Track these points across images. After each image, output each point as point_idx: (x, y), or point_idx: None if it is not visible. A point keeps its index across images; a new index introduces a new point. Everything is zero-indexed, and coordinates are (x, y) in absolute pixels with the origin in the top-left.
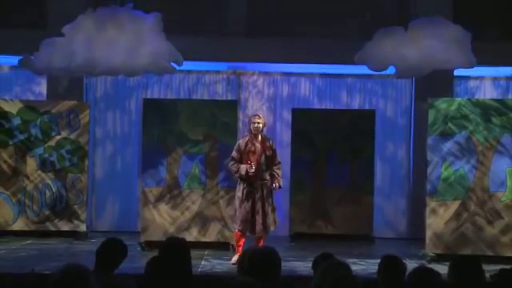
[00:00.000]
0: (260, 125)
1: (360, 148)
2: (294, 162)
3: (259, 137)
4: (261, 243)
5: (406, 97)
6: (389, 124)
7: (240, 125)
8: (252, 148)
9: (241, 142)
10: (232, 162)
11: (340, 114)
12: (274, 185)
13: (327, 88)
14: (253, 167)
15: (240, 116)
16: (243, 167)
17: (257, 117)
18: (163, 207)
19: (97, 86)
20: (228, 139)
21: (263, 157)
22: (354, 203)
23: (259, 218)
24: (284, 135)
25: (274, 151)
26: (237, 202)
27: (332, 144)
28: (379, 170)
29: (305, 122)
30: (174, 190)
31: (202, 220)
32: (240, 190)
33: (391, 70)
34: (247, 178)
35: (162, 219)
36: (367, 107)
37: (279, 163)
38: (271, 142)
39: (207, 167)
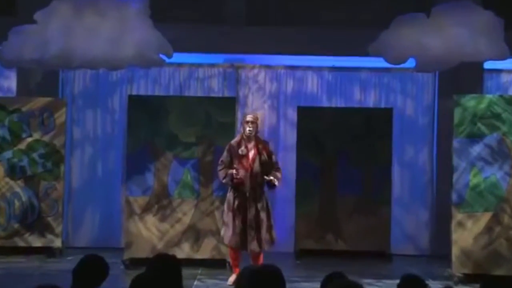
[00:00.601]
0: (253, 129)
1: (375, 152)
2: (299, 167)
3: (253, 139)
4: (261, 261)
5: (429, 93)
6: (408, 124)
7: (238, 125)
8: (244, 151)
9: (233, 143)
10: (220, 167)
11: (353, 113)
12: (269, 178)
13: (337, 84)
14: (239, 173)
15: (239, 115)
16: (230, 173)
17: (250, 117)
18: (150, 219)
19: (75, 81)
20: (225, 141)
21: (257, 162)
22: (369, 214)
23: (252, 233)
24: (289, 136)
25: (271, 155)
26: (225, 212)
27: (343, 147)
28: (397, 176)
29: (312, 122)
30: (163, 200)
31: (195, 234)
32: (230, 199)
33: (411, 62)
34: (237, 186)
35: (149, 233)
36: (383, 105)
37: (279, 168)
38: (267, 145)
39: (201, 174)
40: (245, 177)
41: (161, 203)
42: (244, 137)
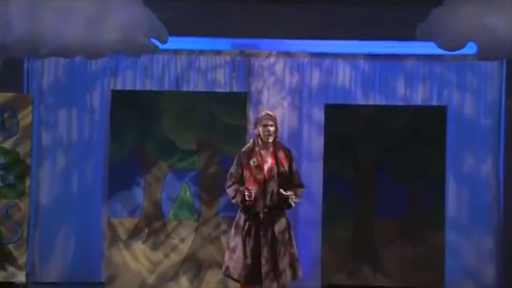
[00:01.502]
0: (271, 133)
1: (424, 162)
2: (327, 181)
3: (270, 146)
4: None
5: (493, 87)
6: (467, 127)
7: (251, 128)
8: (257, 162)
9: (243, 151)
10: (229, 182)
11: (395, 113)
12: (286, 193)
13: (375, 75)
14: (252, 194)
15: (251, 115)
16: (241, 190)
17: (267, 117)
18: (139, 246)
19: (44, 73)
20: (234, 148)
21: (274, 176)
22: (416, 241)
23: (267, 265)
24: (314, 142)
25: (291, 165)
26: (232, 235)
27: (383, 156)
28: (452, 193)
29: (343, 124)
30: (155, 222)
31: (195, 265)
32: (240, 221)
33: (470, 48)
34: (248, 207)
35: (137, 264)
36: (434, 102)
37: (301, 184)
38: (288, 153)
39: (203, 189)
40: (258, 194)
41: (152, 226)
42: (259, 143)
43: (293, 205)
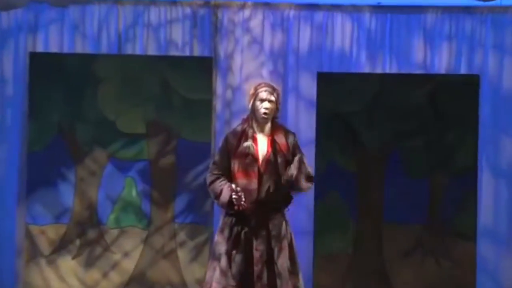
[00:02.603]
0: (271, 107)
1: (449, 150)
2: (321, 176)
3: (267, 128)
4: None
5: None
6: (507, 103)
7: (218, 104)
8: (251, 148)
9: (231, 135)
10: (213, 176)
11: (412, 84)
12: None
13: (385, 33)
14: (242, 198)
15: (218, 87)
16: (226, 190)
17: (266, 90)
18: (68, 263)
19: None
20: (195, 131)
21: (270, 167)
22: (439, 255)
23: (260, 283)
24: (303, 124)
25: (295, 154)
26: (216, 249)
27: (395, 142)
28: (487, 191)
29: (342, 99)
30: (89, 231)
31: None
32: (225, 227)
33: None
34: (236, 211)
35: (65, 286)
36: (463, 70)
37: (310, 179)
38: (289, 137)
39: (154, 186)
40: (249, 192)
41: (86, 236)
42: (253, 123)
43: (302, 187)
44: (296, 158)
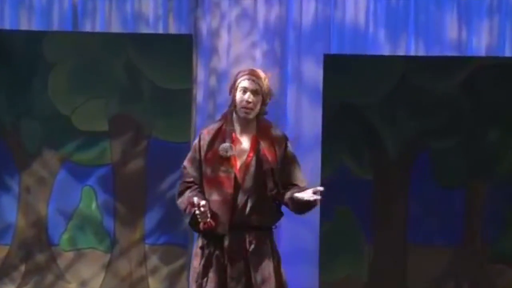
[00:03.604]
0: (253, 105)
1: (491, 152)
2: (329, 185)
3: (251, 125)
4: None
5: None
6: None
7: (199, 95)
8: (229, 151)
9: (205, 133)
10: (181, 187)
11: (443, 70)
12: (302, 196)
13: (409, 7)
14: (207, 213)
15: (201, 72)
16: (191, 202)
17: (249, 79)
18: None
19: None
20: (172, 129)
21: (251, 172)
22: (478, 285)
23: None
24: (306, 119)
25: (286, 159)
26: (190, 281)
27: (423, 143)
28: None
29: (356, 88)
30: (37, 254)
31: None
32: (197, 254)
33: None
34: (202, 231)
35: None
36: (507, 53)
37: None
38: (278, 138)
39: (120, 198)
40: (223, 207)
41: (33, 260)
42: (232, 119)
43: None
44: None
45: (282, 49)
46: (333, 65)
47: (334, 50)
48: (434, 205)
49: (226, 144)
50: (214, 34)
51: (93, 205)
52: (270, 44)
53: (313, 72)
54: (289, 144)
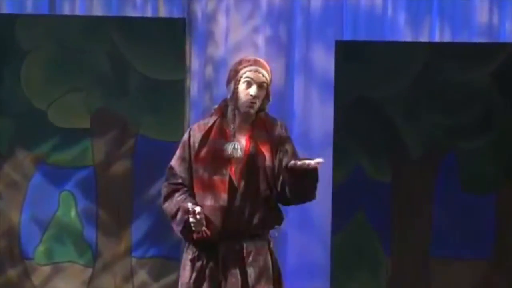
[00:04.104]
0: (257, 99)
1: None
2: (342, 186)
3: (250, 120)
4: None
5: None
6: None
7: (194, 86)
8: (228, 150)
9: (197, 129)
10: (168, 188)
11: (472, 59)
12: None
13: None
14: (202, 220)
15: (195, 61)
16: (183, 209)
17: (255, 66)
18: None
19: None
20: (162, 125)
21: (248, 174)
22: None
23: None
24: (315, 114)
25: (286, 150)
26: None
27: (449, 141)
28: None
29: (372, 79)
30: (7, 269)
31: None
32: (186, 268)
33: None
34: (196, 241)
35: None
36: None
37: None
38: (277, 128)
39: (102, 205)
40: (216, 212)
41: (3, 275)
42: (231, 112)
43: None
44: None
45: (288, 35)
46: (346, 53)
47: (347, 36)
48: (461, 213)
49: (233, 143)
50: (210, 17)
51: (73, 213)
52: (274, 29)
53: (324, 61)
54: (286, 128)
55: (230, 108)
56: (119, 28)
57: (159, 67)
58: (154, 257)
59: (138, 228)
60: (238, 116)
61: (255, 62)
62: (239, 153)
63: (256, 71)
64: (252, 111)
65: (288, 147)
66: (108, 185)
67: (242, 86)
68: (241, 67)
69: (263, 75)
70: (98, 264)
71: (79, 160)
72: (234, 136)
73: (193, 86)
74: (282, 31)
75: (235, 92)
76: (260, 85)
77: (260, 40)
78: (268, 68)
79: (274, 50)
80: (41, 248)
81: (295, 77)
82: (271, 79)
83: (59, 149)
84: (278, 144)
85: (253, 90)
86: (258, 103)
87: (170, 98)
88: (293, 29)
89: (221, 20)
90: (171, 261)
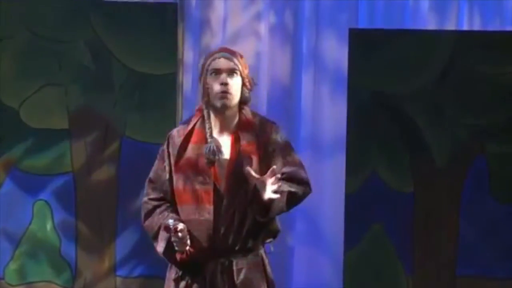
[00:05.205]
0: (231, 95)
1: None
2: (356, 195)
3: (233, 121)
4: None
5: None
6: None
7: (187, 81)
8: (218, 154)
9: (175, 135)
10: (149, 205)
11: (505, 50)
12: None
13: None
14: (184, 236)
15: (188, 51)
16: (165, 226)
17: (221, 53)
18: None
19: None
20: (150, 126)
21: (234, 181)
22: None
23: None
24: (326, 113)
25: (281, 154)
26: None
27: (479, 144)
28: None
29: (390, 73)
30: None
31: None
32: (170, 284)
33: None
34: (179, 261)
35: None
36: None
37: (304, 183)
38: (268, 132)
39: (82, 217)
40: (201, 227)
41: None
42: (206, 113)
43: (274, 198)
44: (277, 166)
45: (295, 22)
46: (361, 43)
47: (362, 24)
48: (491, 226)
49: (210, 145)
50: (206, 2)
51: (48, 226)
52: (280, 15)
53: (336, 52)
54: (279, 130)
55: (204, 107)
56: (100, 14)
57: (147, 59)
58: (141, 276)
59: (123, 244)
60: (216, 115)
61: (221, 50)
62: (217, 155)
63: (223, 57)
64: (228, 102)
65: (277, 153)
66: (89, 194)
67: (210, 79)
68: (207, 61)
69: (232, 61)
70: (78, 284)
71: (56, 165)
72: (211, 136)
73: (186, 81)
74: (288, 18)
75: (204, 88)
76: (230, 72)
77: (263, 28)
78: (238, 54)
79: (279, 39)
80: (12, 266)
81: (303, 72)
82: (245, 66)
83: (33, 153)
84: (267, 146)
85: (223, 77)
86: (233, 92)
87: (160, 94)
88: (300, 16)
89: (218, 5)
90: (158, 280)
